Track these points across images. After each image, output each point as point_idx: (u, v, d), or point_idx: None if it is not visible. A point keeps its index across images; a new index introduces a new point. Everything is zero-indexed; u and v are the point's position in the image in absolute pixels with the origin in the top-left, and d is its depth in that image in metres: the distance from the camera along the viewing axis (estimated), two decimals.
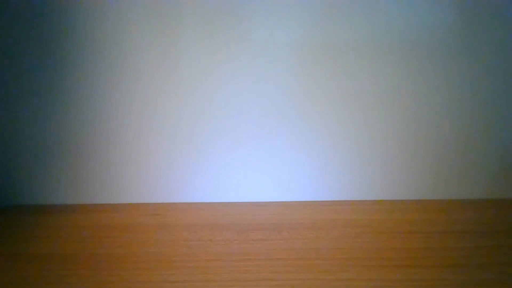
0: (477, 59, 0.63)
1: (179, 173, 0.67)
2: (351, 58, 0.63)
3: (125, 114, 0.66)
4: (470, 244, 0.52)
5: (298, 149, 0.66)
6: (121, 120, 0.66)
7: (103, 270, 0.49)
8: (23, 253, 0.53)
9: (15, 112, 0.66)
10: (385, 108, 0.65)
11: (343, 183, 0.67)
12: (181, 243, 0.54)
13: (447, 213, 0.62)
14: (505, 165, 0.66)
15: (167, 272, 0.48)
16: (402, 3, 0.61)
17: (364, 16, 0.62)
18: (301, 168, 0.67)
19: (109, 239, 0.56)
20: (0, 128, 0.67)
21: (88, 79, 0.65)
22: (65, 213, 0.65)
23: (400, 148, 0.66)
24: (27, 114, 0.66)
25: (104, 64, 0.64)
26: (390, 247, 0.52)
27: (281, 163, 0.67)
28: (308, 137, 0.66)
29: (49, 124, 0.66)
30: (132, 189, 0.68)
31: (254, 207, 0.66)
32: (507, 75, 0.63)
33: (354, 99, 0.64)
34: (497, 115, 0.64)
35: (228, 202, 0.68)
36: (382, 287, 0.44)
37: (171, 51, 0.64)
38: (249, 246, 0.53)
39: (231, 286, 0.45)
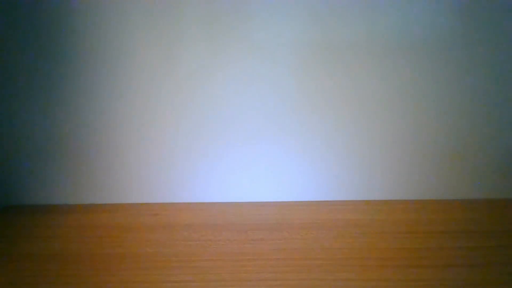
0: (477, 59, 0.62)
1: (179, 173, 0.67)
2: (352, 59, 0.63)
3: (125, 114, 0.66)
4: (470, 244, 0.52)
5: (298, 149, 0.66)
6: (121, 120, 0.66)
7: (103, 270, 0.49)
8: (23, 253, 0.53)
9: (15, 112, 0.66)
10: (385, 108, 0.65)
11: (343, 183, 0.67)
12: (181, 243, 0.54)
13: (447, 213, 0.62)
14: (505, 165, 0.66)
15: (167, 272, 0.48)
16: (402, 4, 0.61)
17: (364, 16, 0.62)
18: (301, 168, 0.67)
19: (109, 239, 0.56)
20: (0, 128, 0.67)
21: (89, 79, 0.65)
22: (65, 213, 0.65)
23: (400, 148, 0.66)
24: (27, 114, 0.66)
25: (105, 65, 0.64)
26: (390, 247, 0.52)
27: (281, 163, 0.67)
28: (308, 137, 0.66)
29: (49, 124, 0.66)
30: (132, 189, 0.68)
31: (254, 207, 0.66)
32: (507, 76, 0.63)
33: (354, 100, 0.64)
34: (497, 116, 0.64)
35: (228, 202, 0.68)
36: (382, 287, 0.44)
37: (172, 52, 0.64)
38: (249, 246, 0.53)
39: (231, 286, 0.45)
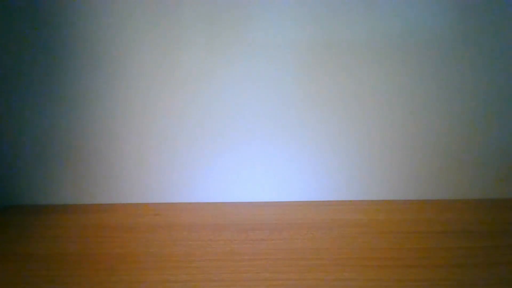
0: (477, 59, 0.63)
1: (179, 173, 0.67)
2: (351, 58, 0.63)
3: (125, 114, 0.66)
4: (470, 244, 0.52)
5: (298, 149, 0.66)
6: (121, 120, 0.66)
7: (103, 270, 0.49)
8: (23, 253, 0.53)
9: (16, 112, 0.66)
10: (385, 108, 0.65)
11: (343, 183, 0.67)
12: (181, 243, 0.54)
13: (447, 213, 0.62)
14: (505, 165, 0.66)
15: (167, 272, 0.48)
16: (402, 3, 0.61)
17: (364, 16, 0.62)
18: (301, 168, 0.67)
19: (109, 239, 0.56)
20: (0, 128, 0.67)
21: (89, 79, 0.65)
22: (65, 213, 0.65)
23: (400, 148, 0.66)
24: (28, 114, 0.66)
25: (105, 65, 0.64)
26: (390, 247, 0.52)
27: (281, 163, 0.67)
28: (308, 137, 0.66)
29: (49, 124, 0.66)
30: (132, 189, 0.68)
31: (254, 207, 0.66)
32: (507, 75, 0.63)
33: (354, 99, 0.64)
34: (497, 115, 0.64)
35: (228, 202, 0.68)
36: (382, 287, 0.44)
37: (172, 52, 0.64)
38: (249, 246, 0.53)
39: (231, 286, 0.45)
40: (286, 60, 0.63)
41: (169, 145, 0.67)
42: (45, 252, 0.53)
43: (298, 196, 0.68)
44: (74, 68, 0.64)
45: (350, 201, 0.67)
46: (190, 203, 0.68)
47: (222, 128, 0.66)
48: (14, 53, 0.64)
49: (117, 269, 0.49)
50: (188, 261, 0.50)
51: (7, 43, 0.64)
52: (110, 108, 0.65)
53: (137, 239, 0.56)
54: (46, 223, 0.62)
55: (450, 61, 0.63)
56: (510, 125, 0.64)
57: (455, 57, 0.63)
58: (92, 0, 0.62)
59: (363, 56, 0.63)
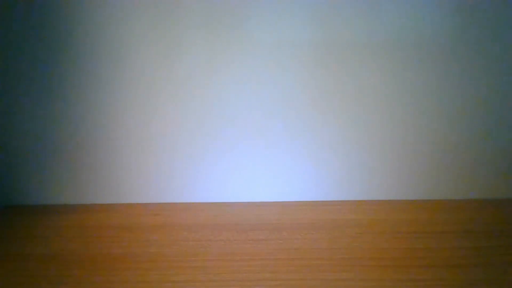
0: (477, 59, 0.62)
1: (179, 173, 0.67)
2: (352, 59, 0.63)
3: (125, 114, 0.66)
4: (470, 244, 0.52)
5: (298, 149, 0.66)
6: (121, 120, 0.66)
7: (103, 270, 0.49)
8: (23, 253, 0.53)
9: (15, 112, 0.66)
10: (385, 108, 0.65)
11: (343, 183, 0.67)
12: (181, 243, 0.54)
13: (447, 213, 0.62)
14: (505, 165, 0.66)
15: (167, 272, 0.48)
16: (402, 3, 0.61)
17: (365, 16, 0.62)
18: (301, 168, 0.67)
19: (109, 239, 0.56)
20: (0, 128, 0.67)
21: (89, 79, 0.65)
22: (65, 213, 0.65)
23: (400, 148, 0.66)
24: (27, 114, 0.66)
25: (105, 65, 0.64)
26: (390, 247, 0.52)
27: (281, 163, 0.67)
28: (308, 137, 0.66)
29: (49, 124, 0.66)
30: (132, 189, 0.68)
31: (254, 207, 0.66)
32: (507, 75, 0.63)
33: (354, 99, 0.64)
34: (497, 116, 0.64)
35: (228, 202, 0.68)
36: (382, 287, 0.44)
37: (173, 52, 0.63)
38: (249, 246, 0.53)
39: (231, 286, 0.45)
40: (286, 60, 0.63)
41: (169, 145, 0.67)
42: (45, 252, 0.53)
43: (298, 196, 0.68)
44: (74, 68, 0.64)
45: (350, 201, 0.67)
46: (190, 203, 0.68)
47: (222, 128, 0.66)
48: (13, 53, 0.64)
49: (117, 269, 0.49)
50: (188, 261, 0.50)
51: (7, 42, 0.64)
52: (110, 108, 0.65)
53: (137, 239, 0.56)
54: (46, 223, 0.62)
55: (450, 61, 0.63)
56: (510, 125, 0.64)
57: (455, 57, 0.63)
58: (91, 0, 0.62)
59: (363, 56, 0.63)
